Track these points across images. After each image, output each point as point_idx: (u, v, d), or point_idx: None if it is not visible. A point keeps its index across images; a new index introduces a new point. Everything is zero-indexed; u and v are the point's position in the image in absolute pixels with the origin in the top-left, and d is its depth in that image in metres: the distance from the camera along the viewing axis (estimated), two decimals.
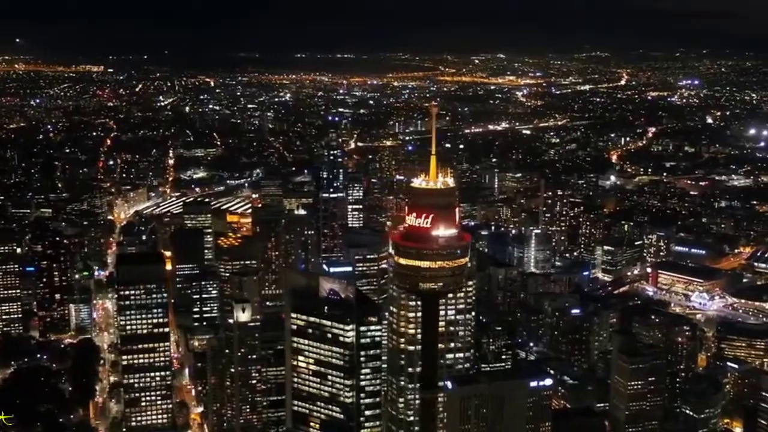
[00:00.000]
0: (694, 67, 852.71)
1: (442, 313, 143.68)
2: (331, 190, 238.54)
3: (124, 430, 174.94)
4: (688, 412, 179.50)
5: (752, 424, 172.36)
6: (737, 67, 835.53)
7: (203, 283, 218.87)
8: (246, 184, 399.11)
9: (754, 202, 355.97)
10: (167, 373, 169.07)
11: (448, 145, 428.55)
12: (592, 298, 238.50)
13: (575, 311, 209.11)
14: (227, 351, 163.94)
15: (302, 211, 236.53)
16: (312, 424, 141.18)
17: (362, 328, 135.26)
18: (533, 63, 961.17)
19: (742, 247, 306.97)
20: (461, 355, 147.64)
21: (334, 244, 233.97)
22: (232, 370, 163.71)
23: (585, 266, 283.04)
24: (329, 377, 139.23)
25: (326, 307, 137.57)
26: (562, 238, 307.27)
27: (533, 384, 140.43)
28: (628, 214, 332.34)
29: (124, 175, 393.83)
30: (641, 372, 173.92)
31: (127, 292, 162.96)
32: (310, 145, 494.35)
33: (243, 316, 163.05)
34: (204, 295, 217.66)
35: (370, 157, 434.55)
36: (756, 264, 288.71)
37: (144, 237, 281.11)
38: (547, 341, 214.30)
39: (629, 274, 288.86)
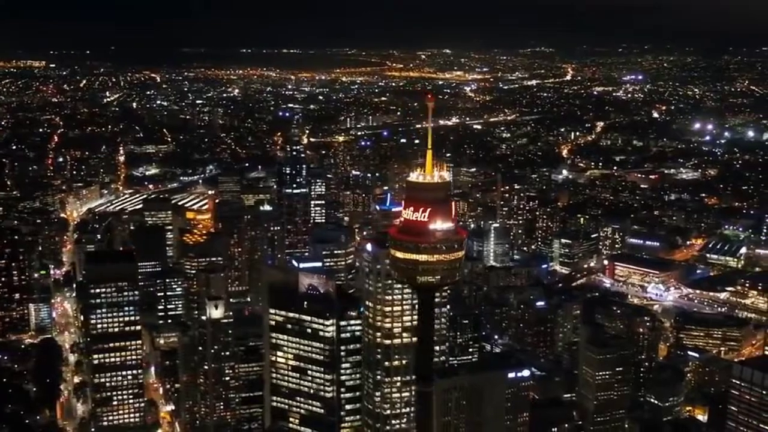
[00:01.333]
0: (637, 63, 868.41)
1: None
2: (294, 185, 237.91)
3: (92, 429, 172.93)
4: (652, 400, 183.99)
5: (718, 411, 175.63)
6: (679, 63, 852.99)
7: (167, 280, 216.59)
8: (200, 181, 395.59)
9: (703, 195, 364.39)
10: (139, 371, 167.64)
11: (403, 140, 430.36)
12: (552, 291, 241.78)
13: (540, 304, 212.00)
14: (200, 348, 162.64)
15: (268, 207, 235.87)
16: (291, 419, 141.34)
17: (342, 323, 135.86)
18: (479, 59, 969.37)
19: (694, 239, 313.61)
20: (437, 348, 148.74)
21: (298, 239, 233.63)
22: (206, 366, 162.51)
23: (543, 259, 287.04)
24: (309, 372, 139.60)
25: (306, 303, 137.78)
26: (520, 231, 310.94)
27: (511, 375, 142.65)
28: (581, 207, 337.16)
29: (74, 173, 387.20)
30: (609, 362, 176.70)
31: (97, 291, 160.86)
32: (263, 141, 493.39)
33: (216, 312, 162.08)
34: (168, 293, 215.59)
35: (323, 152, 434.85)
36: (708, 255, 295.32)
37: (98, 236, 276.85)
38: (512, 334, 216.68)
39: (586, 266, 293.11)
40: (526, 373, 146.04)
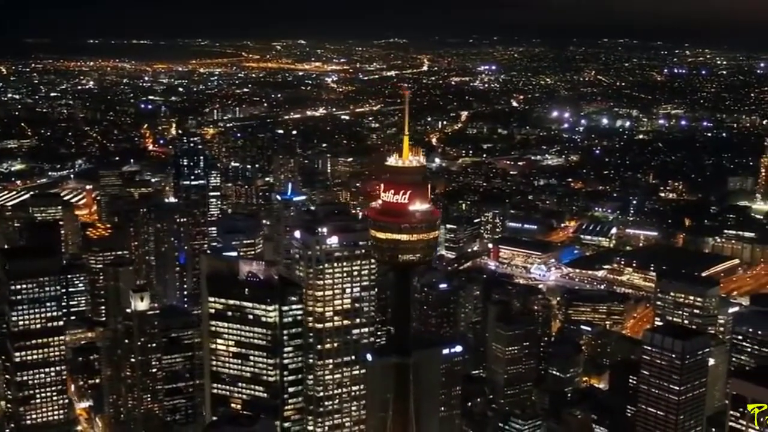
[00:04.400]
0: (489, 53, 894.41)
1: (348, 290, 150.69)
2: (192, 177, 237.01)
3: (7, 430, 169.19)
4: (555, 372, 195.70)
5: (617, 379, 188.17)
6: (528, 53, 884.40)
7: (69, 276, 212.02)
8: (71, 175, 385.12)
9: (569, 180, 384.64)
10: (62, 368, 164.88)
11: (280, 131, 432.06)
12: (450, 274, 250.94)
13: (443, 286, 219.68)
14: (126, 341, 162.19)
15: (173, 199, 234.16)
16: (233, 405, 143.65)
17: (284, 308, 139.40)
18: (335, 49, 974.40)
19: (568, 221, 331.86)
20: (366, 330, 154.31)
21: (197, 231, 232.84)
22: (133, 359, 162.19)
23: None
24: (251, 358, 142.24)
25: (247, 290, 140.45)
26: None
27: (446, 351, 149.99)
28: (458, 194, 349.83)
29: None
30: (517, 338, 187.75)
31: (18, 287, 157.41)
32: (130, 134, 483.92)
33: (141, 304, 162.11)
34: (71, 289, 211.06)
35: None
36: (582, 236, 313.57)
37: None
38: (416, 316, 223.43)
39: (470, 250, 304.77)
40: (458, 348, 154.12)
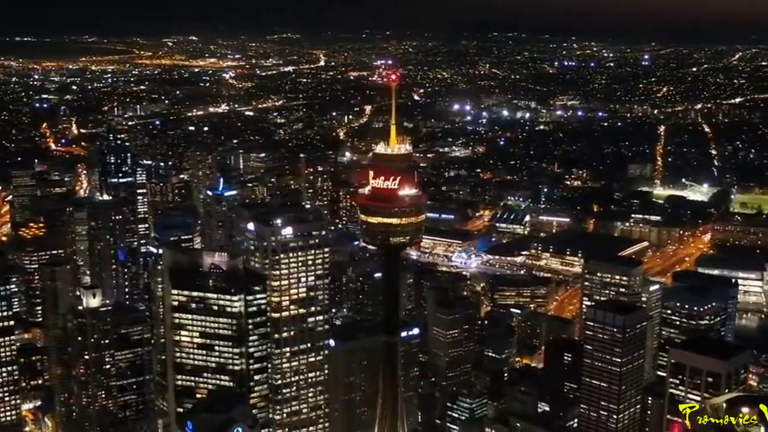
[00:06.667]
0: (383, 48, 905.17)
1: (303, 280, 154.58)
2: (120, 174, 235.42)
3: None
4: (491, 354, 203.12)
5: (552, 357, 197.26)
6: (422, 48, 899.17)
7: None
8: None
9: (479, 171, 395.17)
10: (14, 368, 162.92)
11: (192, 128, 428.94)
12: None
13: (378, 275, 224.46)
14: (80, 338, 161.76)
15: (106, 197, 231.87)
16: (198, 395, 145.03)
17: (249, 298, 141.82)
18: (228, 45, 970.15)
19: (482, 210, 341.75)
20: (321, 318, 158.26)
21: (127, 228, 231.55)
22: (86, 357, 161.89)
23: (353, 237, 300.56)
24: (216, 348, 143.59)
25: (211, 281, 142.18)
26: (325, 212, 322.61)
27: (404, 335, 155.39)
28: None
29: None
30: (457, 322, 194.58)
31: None
32: (30, 134, 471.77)
33: (93, 301, 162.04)
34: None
35: (98, 143, 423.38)
36: (498, 225, 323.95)
37: None
38: (351, 305, 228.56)
39: None
40: (416, 331, 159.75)
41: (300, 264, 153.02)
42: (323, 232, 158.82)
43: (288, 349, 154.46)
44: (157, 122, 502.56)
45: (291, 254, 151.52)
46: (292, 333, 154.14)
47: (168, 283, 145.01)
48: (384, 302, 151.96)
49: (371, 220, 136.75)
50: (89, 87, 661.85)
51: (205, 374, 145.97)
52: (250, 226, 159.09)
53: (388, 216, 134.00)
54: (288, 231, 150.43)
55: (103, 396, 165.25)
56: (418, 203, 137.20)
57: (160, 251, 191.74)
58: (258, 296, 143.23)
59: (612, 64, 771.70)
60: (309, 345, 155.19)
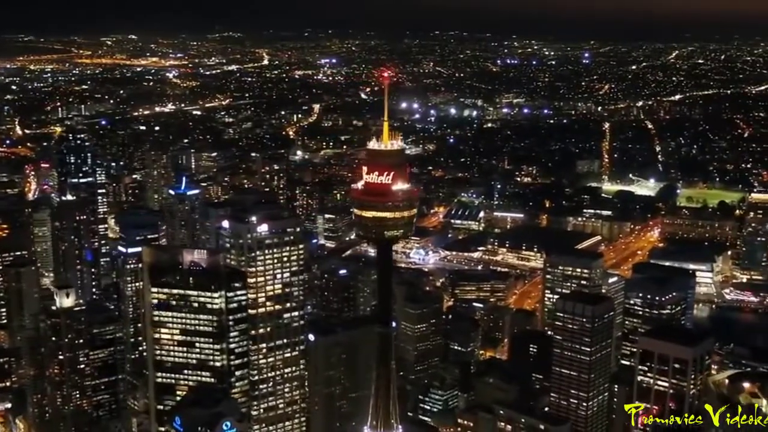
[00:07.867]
0: (326, 47, 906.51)
1: (279, 276, 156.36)
2: (81, 174, 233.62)
3: None
4: (456, 347, 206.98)
5: (517, 349, 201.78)
6: (365, 46, 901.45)
7: None
8: None
9: (430, 168, 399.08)
10: None
11: (143, 128, 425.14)
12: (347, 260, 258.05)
13: (342, 272, 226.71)
14: (54, 338, 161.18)
15: (69, 197, 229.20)
16: (179, 392, 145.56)
17: (229, 294, 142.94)
18: (169, 44, 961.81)
19: (437, 207, 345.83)
20: (296, 314, 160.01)
21: (91, 228, 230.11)
22: (61, 356, 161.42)
23: (311, 235, 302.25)
24: (197, 345, 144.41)
25: (191, 278, 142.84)
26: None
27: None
28: (326, 184, 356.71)
29: None
30: (425, 316, 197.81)
31: None
32: None
33: (67, 301, 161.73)
34: None
35: (45, 144, 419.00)
36: (453, 221, 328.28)
37: None
38: (316, 302, 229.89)
39: (348, 239, 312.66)
40: (392, 325, 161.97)
41: (276, 261, 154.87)
42: (298, 229, 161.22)
43: (264, 345, 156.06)
44: (104, 122, 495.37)
45: (267, 251, 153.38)
46: (268, 329, 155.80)
47: (148, 281, 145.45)
48: (378, 294, 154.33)
49: (365, 214, 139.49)
50: (29, 87, 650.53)
51: (185, 371, 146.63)
52: (225, 224, 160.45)
53: (381, 210, 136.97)
54: (263, 228, 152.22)
55: (78, 396, 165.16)
56: (411, 197, 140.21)
57: (130, 250, 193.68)
58: (238, 293, 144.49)
59: (553, 63, 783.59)
60: (285, 341, 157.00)
